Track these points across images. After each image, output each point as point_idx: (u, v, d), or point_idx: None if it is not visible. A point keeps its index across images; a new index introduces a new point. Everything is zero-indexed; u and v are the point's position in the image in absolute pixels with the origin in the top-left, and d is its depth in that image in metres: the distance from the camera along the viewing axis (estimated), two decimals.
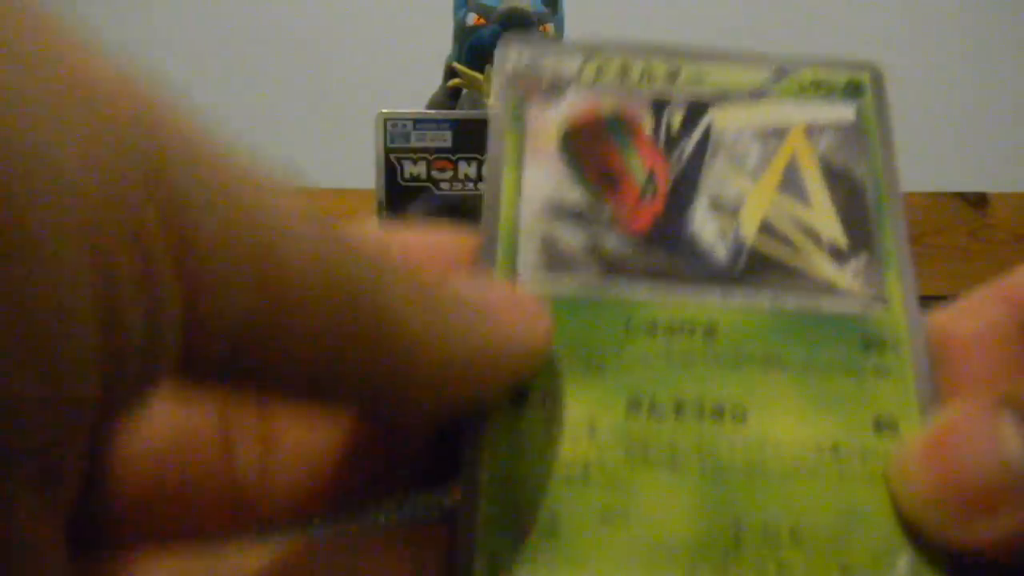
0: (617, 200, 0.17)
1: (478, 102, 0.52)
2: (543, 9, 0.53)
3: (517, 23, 0.50)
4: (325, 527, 0.16)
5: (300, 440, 0.16)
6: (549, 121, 0.18)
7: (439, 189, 0.45)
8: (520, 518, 0.15)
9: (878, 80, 0.18)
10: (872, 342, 0.16)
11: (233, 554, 0.15)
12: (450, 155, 0.45)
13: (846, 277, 0.16)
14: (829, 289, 0.16)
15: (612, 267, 0.17)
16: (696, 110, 0.18)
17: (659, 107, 0.18)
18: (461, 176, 0.45)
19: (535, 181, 0.18)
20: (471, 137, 0.45)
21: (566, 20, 0.56)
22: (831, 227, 0.17)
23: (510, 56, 0.19)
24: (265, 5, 0.99)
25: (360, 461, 0.16)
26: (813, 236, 0.17)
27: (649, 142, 0.18)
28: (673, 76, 0.19)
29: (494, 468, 0.15)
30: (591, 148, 0.18)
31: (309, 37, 0.98)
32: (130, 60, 0.10)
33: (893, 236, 0.17)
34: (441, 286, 0.14)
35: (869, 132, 0.18)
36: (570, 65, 0.19)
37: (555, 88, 0.19)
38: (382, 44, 0.97)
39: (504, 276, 0.17)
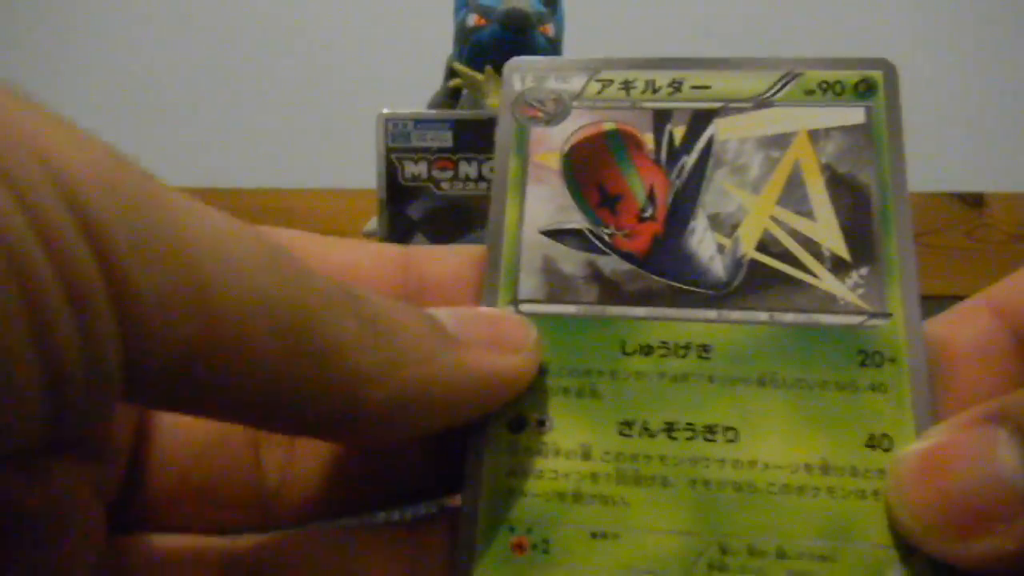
0: (617, 220, 0.18)
1: (479, 102, 0.53)
2: (543, 9, 0.53)
3: (517, 23, 0.51)
4: (334, 523, 0.17)
5: (319, 445, 0.17)
6: (551, 143, 0.18)
7: (440, 189, 0.46)
8: (516, 535, 0.15)
9: (891, 77, 0.18)
10: (870, 357, 0.16)
11: (248, 539, 0.16)
12: (451, 155, 0.45)
13: (846, 290, 0.16)
14: (828, 303, 0.16)
15: (610, 289, 0.17)
16: (699, 121, 0.18)
17: (662, 120, 0.18)
18: (462, 176, 0.45)
19: (537, 204, 0.18)
20: (472, 137, 0.45)
21: (565, 20, 0.56)
22: (833, 238, 0.17)
23: (514, 80, 0.19)
24: (265, 5, 0.99)
25: (372, 466, 0.17)
26: (814, 249, 0.17)
27: (650, 158, 0.18)
28: (677, 87, 0.19)
29: (493, 487, 0.15)
30: (591, 168, 0.18)
31: (309, 37, 0.98)
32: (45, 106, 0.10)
33: (898, 243, 0.17)
34: (401, 321, 0.14)
35: (878, 133, 0.18)
36: (574, 83, 0.19)
37: (558, 108, 0.19)
38: (382, 44, 0.97)
39: (506, 301, 0.17)
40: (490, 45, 0.52)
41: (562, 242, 0.17)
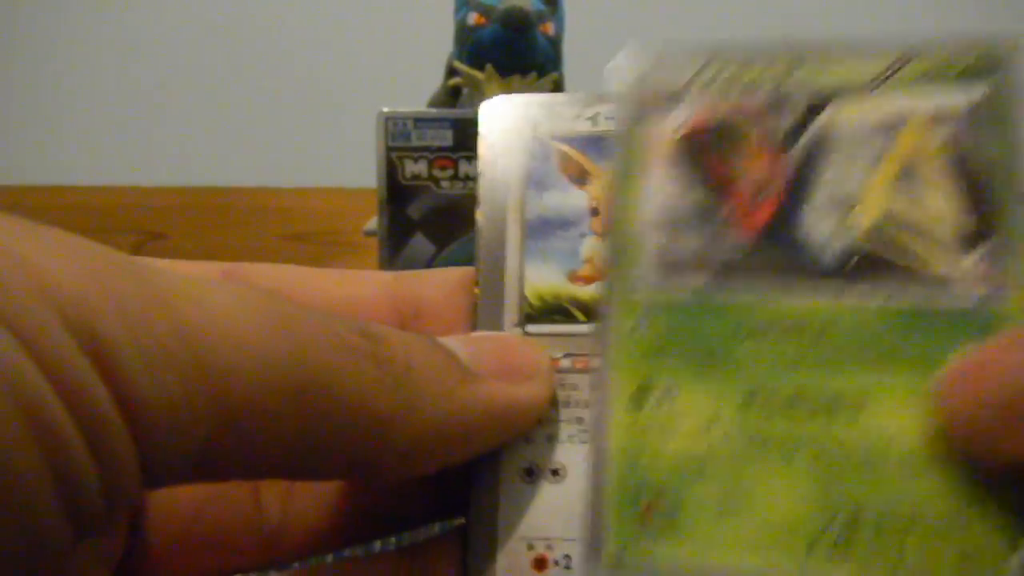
0: (732, 202, 0.18)
1: (479, 101, 0.52)
2: (543, 7, 0.53)
3: (517, 22, 0.50)
4: (338, 555, 0.17)
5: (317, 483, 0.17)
6: (667, 129, 0.18)
7: (440, 188, 0.46)
8: (643, 511, 0.15)
9: (1016, 52, 0.18)
10: (992, 331, 0.15)
11: None
12: (451, 154, 0.45)
13: (965, 270, 0.16)
14: (945, 285, 0.16)
15: (725, 270, 0.17)
16: (814, 106, 0.18)
17: (776, 105, 0.18)
18: (462, 175, 0.45)
19: (653, 189, 0.18)
20: (472, 136, 0.45)
21: (566, 18, 0.56)
22: (950, 219, 0.17)
23: (626, 67, 0.19)
24: (265, 5, 0.99)
25: (370, 495, 0.17)
26: (930, 230, 0.17)
27: (766, 142, 0.18)
28: (791, 72, 0.18)
29: (620, 462, 0.15)
30: (707, 153, 0.18)
31: (309, 36, 0.98)
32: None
33: (1022, 220, 0.16)
34: (418, 357, 0.13)
35: (1000, 111, 0.17)
36: (687, 70, 0.19)
37: (672, 95, 0.19)
38: (382, 44, 0.97)
39: (621, 283, 0.17)
40: (490, 44, 0.52)
41: (678, 225, 0.18)
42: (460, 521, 0.16)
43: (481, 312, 0.17)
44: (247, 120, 0.96)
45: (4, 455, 0.09)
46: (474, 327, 0.17)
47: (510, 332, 0.17)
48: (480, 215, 0.18)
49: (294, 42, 0.98)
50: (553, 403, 0.16)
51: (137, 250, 0.89)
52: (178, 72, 0.97)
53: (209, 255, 0.91)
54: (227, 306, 0.11)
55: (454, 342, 0.15)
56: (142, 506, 0.16)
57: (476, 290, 0.18)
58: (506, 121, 0.20)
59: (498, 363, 0.15)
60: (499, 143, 0.19)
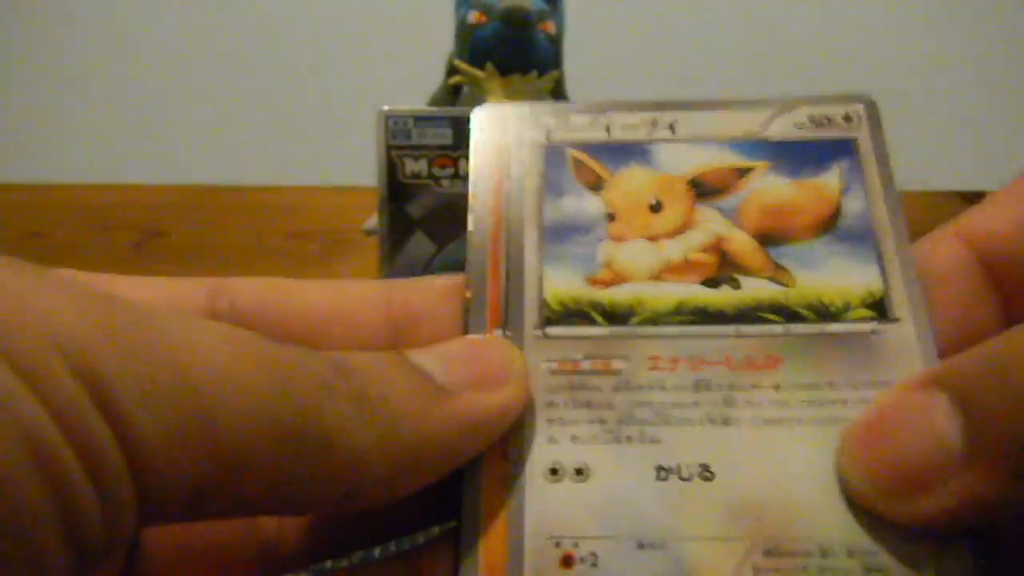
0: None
1: (479, 100, 0.52)
2: (544, 6, 0.53)
3: (518, 20, 0.50)
4: (335, 563, 0.17)
5: None
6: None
7: (440, 186, 0.46)
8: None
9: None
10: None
11: None
12: (451, 152, 0.45)
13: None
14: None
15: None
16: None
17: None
18: (462, 174, 0.45)
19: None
20: None
21: (566, 17, 0.56)
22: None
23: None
24: (266, 4, 0.99)
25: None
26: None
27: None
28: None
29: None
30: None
31: (310, 35, 0.98)
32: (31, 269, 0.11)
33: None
34: (389, 384, 0.14)
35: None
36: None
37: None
38: (382, 42, 0.97)
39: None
40: (491, 42, 0.51)
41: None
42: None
43: (471, 316, 0.17)
44: (247, 119, 0.96)
45: (11, 490, 0.09)
46: (465, 332, 0.17)
47: (530, 334, 0.17)
48: (471, 221, 0.19)
49: (294, 41, 0.98)
50: (576, 405, 0.16)
51: (137, 248, 0.90)
52: (178, 71, 0.97)
53: (209, 254, 0.91)
54: (217, 346, 0.12)
55: (427, 357, 0.15)
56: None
57: (467, 294, 0.18)
58: (505, 129, 0.20)
59: (470, 373, 0.15)
60: (490, 150, 0.20)
